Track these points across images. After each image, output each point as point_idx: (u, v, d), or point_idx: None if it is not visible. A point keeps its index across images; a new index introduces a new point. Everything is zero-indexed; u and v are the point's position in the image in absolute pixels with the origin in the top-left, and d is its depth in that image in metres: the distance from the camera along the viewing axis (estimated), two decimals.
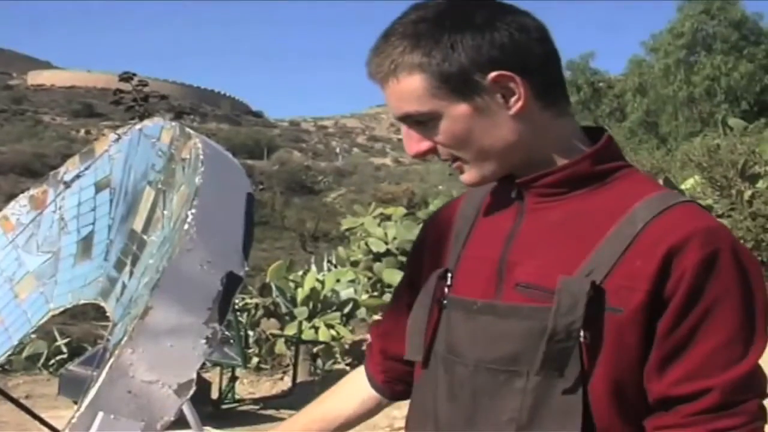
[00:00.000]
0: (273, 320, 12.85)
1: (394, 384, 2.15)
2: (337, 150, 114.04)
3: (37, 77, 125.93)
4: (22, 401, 2.65)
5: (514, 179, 1.83)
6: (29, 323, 2.15)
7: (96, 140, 2.14)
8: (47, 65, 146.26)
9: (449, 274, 1.88)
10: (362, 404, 2.17)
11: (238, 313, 12.37)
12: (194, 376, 1.40)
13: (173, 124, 1.84)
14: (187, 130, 1.77)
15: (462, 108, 1.72)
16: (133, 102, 11.29)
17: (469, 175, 1.81)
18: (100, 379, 1.36)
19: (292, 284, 13.18)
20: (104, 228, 2.06)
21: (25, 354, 13.53)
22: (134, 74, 11.41)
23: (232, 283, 1.45)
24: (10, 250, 2.20)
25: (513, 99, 1.73)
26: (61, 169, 2.16)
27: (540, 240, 1.77)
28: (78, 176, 2.09)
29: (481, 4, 1.76)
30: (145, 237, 1.83)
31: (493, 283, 1.79)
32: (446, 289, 1.87)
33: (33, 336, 13.43)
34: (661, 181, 6.96)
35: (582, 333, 1.64)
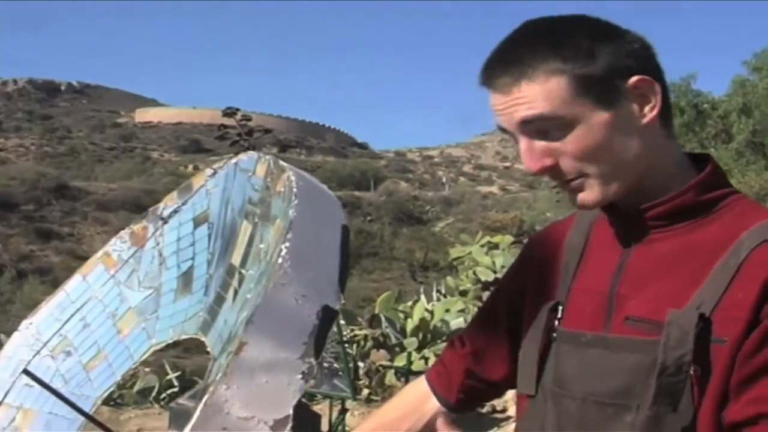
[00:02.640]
0: (383, 351, 12.82)
1: (467, 401, 2.10)
2: (444, 179, 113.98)
3: (144, 115, 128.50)
4: None
5: (617, 209, 1.79)
6: (132, 359, 2.16)
7: (194, 176, 2.14)
8: (153, 102, 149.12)
9: (560, 307, 1.85)
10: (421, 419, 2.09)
11: (347, 345, 12.38)
12: (290, 411, 1.37)
13: (267, 157, 1.84)
14: (281, 163, 1.76)
15: (603, 116, 1.68)
16: (238, 137, 11.39)
17: (590, 193, 1.75)
18: (195, 416, 1.35)
19: (401, 315, 13.14)
20: (203, 263, 2.06)
21: (136, 388, 13.69)
22: (238, 109, 11.52)
23: (327, 317, 1.43)
24: (113, 286, 2.21)
25: (648, 107, 1.70)
26: (160, 205, 2.18)
27: (649, 273, 1.73)
28: (176, 211, 2.10)
29: (598, 18, 1.76)
30: (243, 271, 1.82)
31: (603, 316, 1.76)
32: (556, 322, 1.84)
33: (147, 370, 13.63)
34: None
35: (692, 366, 1.61)
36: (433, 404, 2.08)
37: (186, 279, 2.09)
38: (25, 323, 2.26)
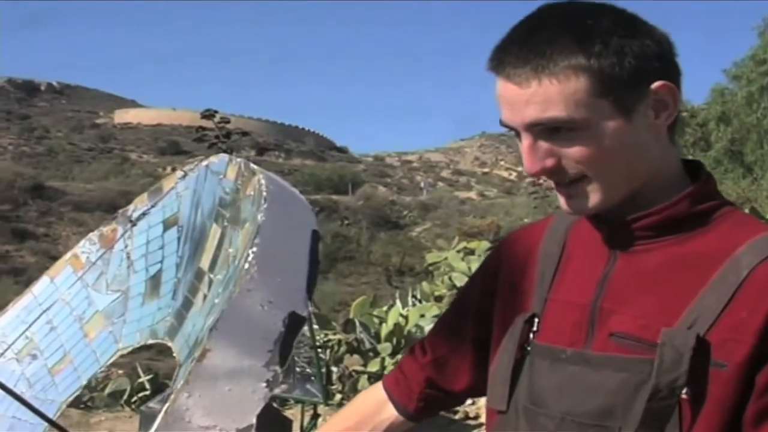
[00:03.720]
0: (356, 356, 12.79)
1: (426, 410, 2.00)
2: (422, 184, 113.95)
3: (123, 116, 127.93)
4: None
5: (603, 216, 1.68)
6: (98, 363, 2.13)
7: (164, 178, 2.12)
8: (133, 104, 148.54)
9: (536, 319, 1.73)
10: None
11: (320, 350, 12.34)
12: (254, 420, 1.34)
13: (238, 160, 1.81)
14: (252, 166, 1.73)
15: (618, 122, 1.56)
16: (216, 139, 11.36)
17: (590, 198, 1.62)
18: (155, 425, 1.32)
19: (376, 320, 13.09)
20: (172, 266, 2.03)
21: (108, 390, 13.60)
22: (216, 111, 11.50)
23: (294, 324, 1.39)
24: (80, 288, 2.19)
25: (665, 114, 1.60)
26: (131, 207, 2.15)
27: (636, 287, 1.63)
28: (144, 214, 2.07)
29: (624, 9, 1.62)
30: (212, 275, 1.79)
31: (584, 331, 1.65)
32: (531, 335, 1.72)
33: (120, 372, 13.53)
34: (747, 211, 6.65)
35: (684, 389, 1.52)
36: (391, 412, 1.99)
37: (154, 282, 2.06)
38: None
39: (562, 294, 1.73)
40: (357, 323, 12.98)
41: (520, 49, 1.57)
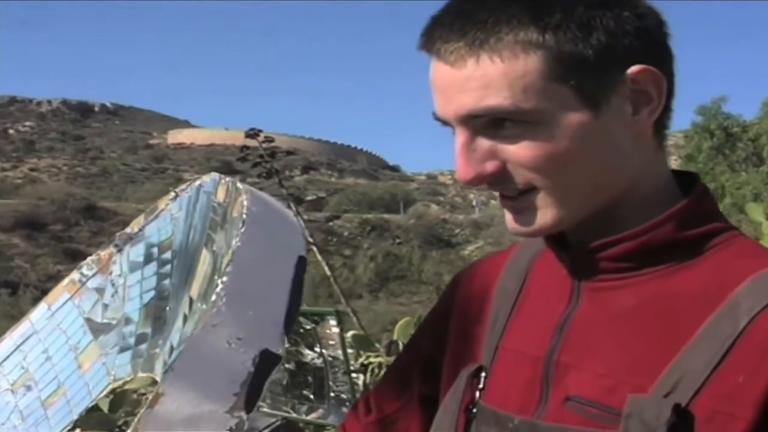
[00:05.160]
0: None
1: None
2: (474, 202, 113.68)
3: (177, 136, 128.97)
4: None
5: (565, 242, 1.33)
6: (90, 396, 2.00)
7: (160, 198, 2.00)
8: (186, 124, 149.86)
9: (483, 373, 1.36)
10: None
11: (359, 373, 12.20)
12: None
13: (227, 179, 1.66)
14: (239, 185, 1.57)
15: (582, 115, 1.21)
16: (260, 158, 11.32)
17: (538, 215, 1.26)
18: None
19: None
20: (166, 294, 1.90)
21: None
22: (260, 130, 11.43)
23: (266, 363, 1.21)
24: (77, 316, 2.07)
25: (647, 109, 1.24)
26: (127, 230, 2.03)
27: (602, 335, 1.25)
28: (130, 238, 1.94)
29: None
30: (200, 305, 1.65)
31: (537, 392, 1.28)
32: (477, 393, 1.35)
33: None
34: None
35: None
36: None
37: (147, 311, 1.93)
38: None
39: (515, 342, 1.36)
40: (400, 345, 12.82)
41: (455, 20, 1.22)
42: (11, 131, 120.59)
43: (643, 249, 1.26)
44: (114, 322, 2.00)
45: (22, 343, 2.13)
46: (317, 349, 8.24)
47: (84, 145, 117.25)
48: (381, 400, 1.59)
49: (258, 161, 12.08)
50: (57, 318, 2.10)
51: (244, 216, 1.40)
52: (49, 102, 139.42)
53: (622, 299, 1.26)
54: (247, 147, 12.33)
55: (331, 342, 8.11)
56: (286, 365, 8.69)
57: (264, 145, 12.07)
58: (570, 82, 1.19)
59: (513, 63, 1.18)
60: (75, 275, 2.11)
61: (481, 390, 1.35)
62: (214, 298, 1.25)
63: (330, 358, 8.10)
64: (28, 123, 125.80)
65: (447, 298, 1.56)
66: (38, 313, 2.13)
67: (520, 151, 1.22)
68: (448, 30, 1.22)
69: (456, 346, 1.46)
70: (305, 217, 10.53)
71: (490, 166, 1.24)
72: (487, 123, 1.22)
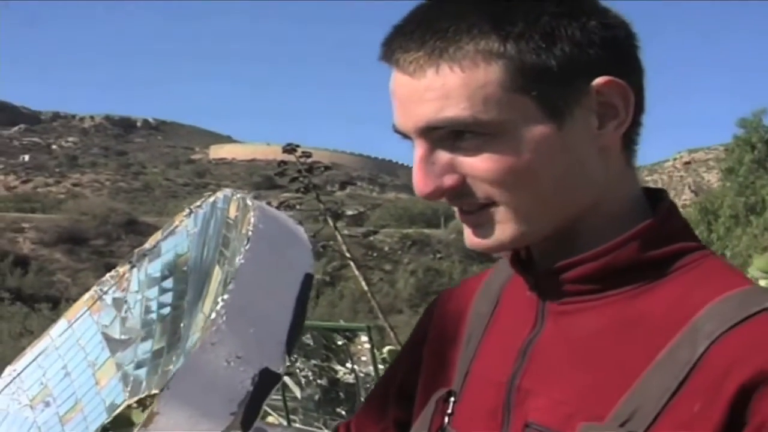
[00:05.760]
0: None
1: None
2: None
3: (218, 151, 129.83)
4: None
5: (529, 262, 1.31)
6: (105, 414, 2.00)
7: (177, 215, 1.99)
8: (228, 139, 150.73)
9: (452, 398, 1.34)
10: None
11: None
12: None
13: (239, 195, 1.65)
14: (249, 201, 1.56)
15: (544, 128, 1.17)
16: (297, 173, 11.34)
17: (496, 230, 1.22)
18: None
19: None
20: (182, 310, 1.90)
21: None
22: (297, 145, 11.49)
23: (266, 382, 1.18)
24: (95, 332, 2.06)
25: (613, 123, 1.20)
26: (146, 245, 2.02)
27: (563, 360, 1.21)
28: (144, 255, 1.93)
29: None
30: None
31: (499, 419, 1.25)
32: (446, 418, 1.33)
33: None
34: None
35: None
36: None
37: (163, 328, 1.92)
38: (8, 369, 2.13)
39: (483, 367, 1.33)
40: None
41: (416, 29, 1.19)
42: (54, 146, 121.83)
43: (606, 270, 1.22)
44: (131, 338, 1.99)
45: (42, 358, 2.13)
46: (349, 365, 8.24)
47: (126, 160, 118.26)
48: (361, 425, 1.58)
49: (296, 176, 12.11)
50: (76, 334, 2.10)
51: (250, 233, 1.39)
52: (92, 117, 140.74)
53: (585, 323, 1.22)
54: (284, 162, 12.37)
55: (363, 358, 8.11)
56: (319, 381, 8.71)
57: (301, 160, 12.10)
58: (532, 93, 1.16)
59: (473, 73, 1.15)
60: (94, 291, 2.10)
61: (449, 415, 1.33)
62: (213, 315, 1.23)
63: (362, 374, 8.10)
64: (71, 138, 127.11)
65: (425, 320, 1.54)
66: (59, 328, 2.14)
67: (479, 164, 1.19)
68: (408, 39, 1.19)
69: (430, 369, 1.43)
70: (345, 231, 10.49)
71: (449, 180, 1.21)
72: (447, 135, 1.19)
